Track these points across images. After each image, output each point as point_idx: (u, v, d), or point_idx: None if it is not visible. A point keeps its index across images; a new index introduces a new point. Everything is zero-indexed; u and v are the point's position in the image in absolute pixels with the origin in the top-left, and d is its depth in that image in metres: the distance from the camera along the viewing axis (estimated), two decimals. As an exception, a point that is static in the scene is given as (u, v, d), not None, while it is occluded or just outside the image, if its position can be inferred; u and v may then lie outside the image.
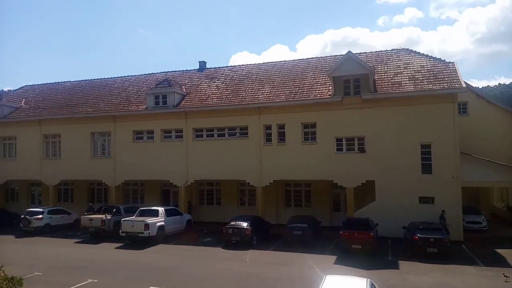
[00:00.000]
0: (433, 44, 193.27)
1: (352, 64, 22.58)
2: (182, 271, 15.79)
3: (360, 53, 26.65)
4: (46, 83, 38.02)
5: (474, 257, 17.73)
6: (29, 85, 38.63)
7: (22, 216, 25.43)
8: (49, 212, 25.97)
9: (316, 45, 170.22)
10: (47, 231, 25.07)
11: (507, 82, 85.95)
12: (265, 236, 21.74)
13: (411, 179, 21.65)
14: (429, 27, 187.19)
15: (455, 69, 22.55)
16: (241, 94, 26.91)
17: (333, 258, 17.58)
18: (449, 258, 17.04)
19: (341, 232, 18.33)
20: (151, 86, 29.64)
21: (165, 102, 27.62)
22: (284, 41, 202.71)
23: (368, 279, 9.58)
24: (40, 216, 25.21)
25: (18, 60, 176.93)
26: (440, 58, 24.11)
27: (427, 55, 24.97)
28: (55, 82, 37.76)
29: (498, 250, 18.92)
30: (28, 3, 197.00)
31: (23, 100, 35.14)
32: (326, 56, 28.94)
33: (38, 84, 38.33)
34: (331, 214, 25.88)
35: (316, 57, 29.22)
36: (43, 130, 31.38)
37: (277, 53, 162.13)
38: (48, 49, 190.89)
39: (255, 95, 26.26)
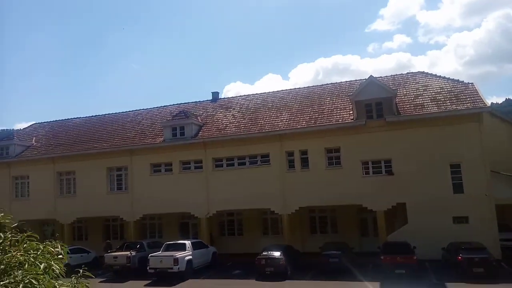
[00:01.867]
0: (423, 67, 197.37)
1: (375, 88, 22.87)
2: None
3: (377, 77, 26.98)
4: (55, 120, 37.82)
5: (519, 275, 17.47)
6: (38, 123, 38.36)
7: (42, 257, 24.51)
8: (69, 252, 25.09)
9: (308, 73, 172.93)
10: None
11: (499, 101, 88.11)
12: (296, 265, 21.17)
13: (442, 199, 21.43)
14: (418, 52, 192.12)
15: (476, 89, 22.87)
16: (259, 122, 26.92)
17: (377, 284, 17.06)
18: (496, 278, 16.69)
19: (382, 257, 17.88)
20: (168, 118, 29.56)
21: (183, 133, 27.49)
22: (276, 70, 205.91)
23: None
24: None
25: (12, 100, 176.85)
26: (458, 80, 24.52)
27: (444, 77, 25.35)
28: (65, 119, 37.54)
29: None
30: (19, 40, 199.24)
31: (34, 138, 34.76)
32: (342, 82, 29.32)
33: (47, 122, 38.11)
34: (359, 240, 25.41)
35: (332, 83, 29.64)
36: (57, 168, 30.87)
37: (271, 82, 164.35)
38: (42, 90, 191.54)
39: (274, 122, 26.28)
